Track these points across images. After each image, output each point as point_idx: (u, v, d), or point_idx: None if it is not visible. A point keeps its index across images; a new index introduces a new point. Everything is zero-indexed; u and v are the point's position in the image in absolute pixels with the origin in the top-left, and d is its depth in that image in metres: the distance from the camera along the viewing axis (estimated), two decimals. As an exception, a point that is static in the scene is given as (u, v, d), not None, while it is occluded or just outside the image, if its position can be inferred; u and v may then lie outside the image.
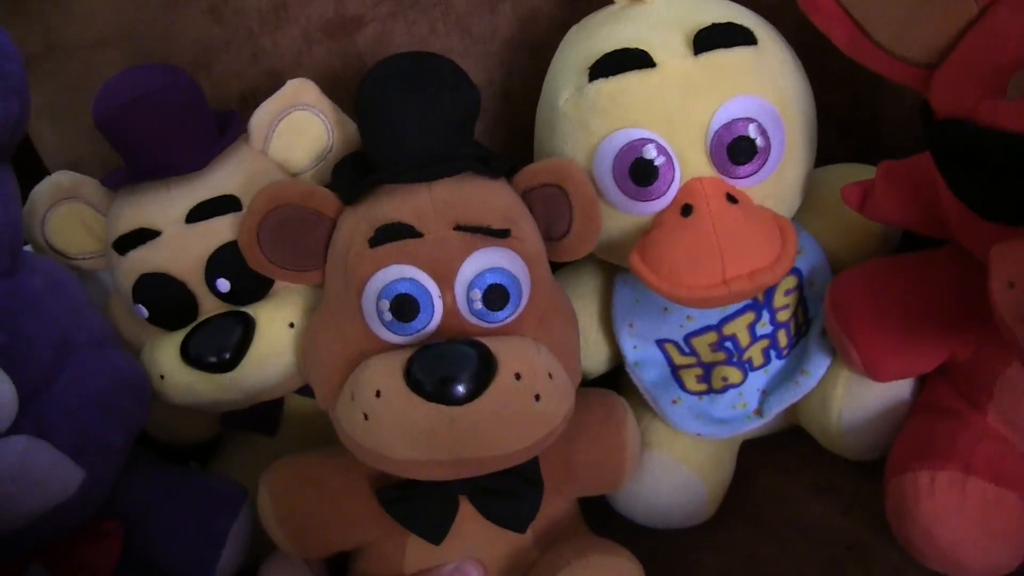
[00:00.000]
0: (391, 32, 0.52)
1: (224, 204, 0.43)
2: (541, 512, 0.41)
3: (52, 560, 0.41)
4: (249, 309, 0.44)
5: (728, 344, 0.47)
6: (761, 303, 0.46)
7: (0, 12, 0.51)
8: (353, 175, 0.42)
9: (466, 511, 0.41)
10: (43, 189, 0.45)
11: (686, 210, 0.40)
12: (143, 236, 0.43)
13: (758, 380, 0.47)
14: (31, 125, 0.47)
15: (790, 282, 0.47)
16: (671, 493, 0.47)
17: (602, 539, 0.44)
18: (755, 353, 0.47)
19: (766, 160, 0.41)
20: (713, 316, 0.47)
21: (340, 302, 0.40)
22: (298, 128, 0.46)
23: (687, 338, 0.47)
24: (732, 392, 0.47)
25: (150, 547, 0.43)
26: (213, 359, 0.42)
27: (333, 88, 0.47)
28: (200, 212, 0.43)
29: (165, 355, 0.43)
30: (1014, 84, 0.33)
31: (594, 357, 0.49)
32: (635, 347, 0.47)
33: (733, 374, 0.47)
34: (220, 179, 0.44)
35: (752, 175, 0.41)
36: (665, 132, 0.40)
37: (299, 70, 0.51)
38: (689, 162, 0.41)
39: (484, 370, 0.36)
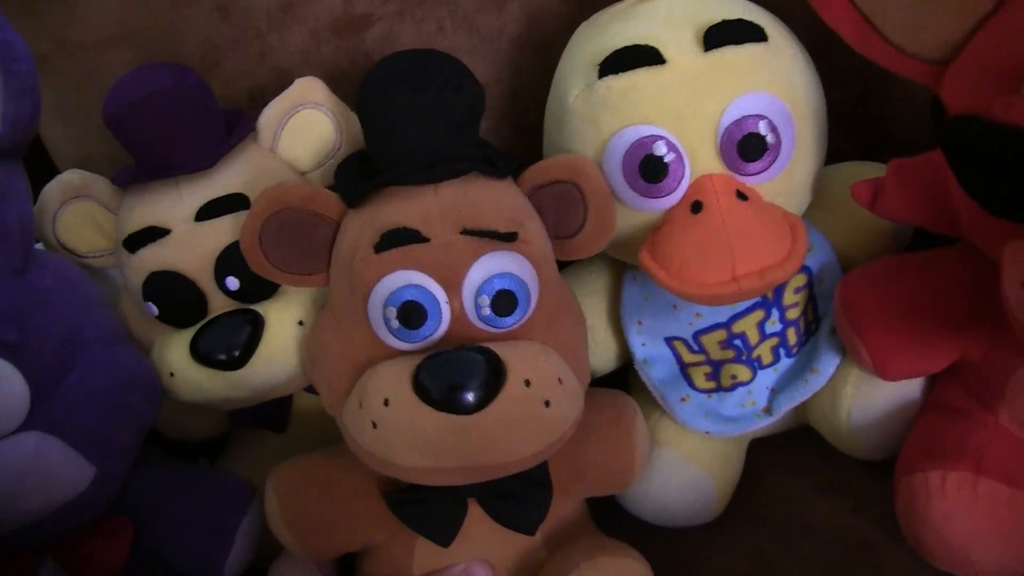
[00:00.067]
0: (399, 30, 0.52)
1: (233, 202, 0.44)
2: (550, 513, 0.41)
3: (62, 556, 0.41)
4: (258, 307, 0.44)
5: (737, 342, 0.47)
6: (771, 301, 0.46)
7: (10, 12, 0.51)
8: (356, 176, 0.41)
9: (475, 513, 0.41)
10: (54, 187, 0.46)
11: (696, 207, 0.40)
12: (153, 234, 0.44)
13: (767, 378, 0.47)
14: (41, 124, 0.47)
15: (800, 280, 0.47)
16: (679, 491, 0.47)
17: (610, 539, 0.44)
18: (764, 351, 0.47)
19: (776, 157, 0.41)
20: (722, 314, 0.46)
21: (346, 307, 0.39)
22: (306, 126, 0.46)
23: (696, 336, 0.47)
24: (741, 390, 0.47)
25: (160, 543, 0.43)
26: (222, 357, 0.42)
27: (341, 86, 0.47)
28: (209, 210, 0.43)
29: (175, 353, 0.43)
30: (1030, 80, 0.33)
31: (602, 355, 0.49)
32: (644, 345, 0.47)
33: (742, 372, 0.47)
34: (229, 177, 0.44)
35: (762, 172, 0.41)
36: (675, 129, 0.40)
37: (307, 68, 0.51)
38: (699, 159, 0.41)
39: (493, 377, 0.35)
